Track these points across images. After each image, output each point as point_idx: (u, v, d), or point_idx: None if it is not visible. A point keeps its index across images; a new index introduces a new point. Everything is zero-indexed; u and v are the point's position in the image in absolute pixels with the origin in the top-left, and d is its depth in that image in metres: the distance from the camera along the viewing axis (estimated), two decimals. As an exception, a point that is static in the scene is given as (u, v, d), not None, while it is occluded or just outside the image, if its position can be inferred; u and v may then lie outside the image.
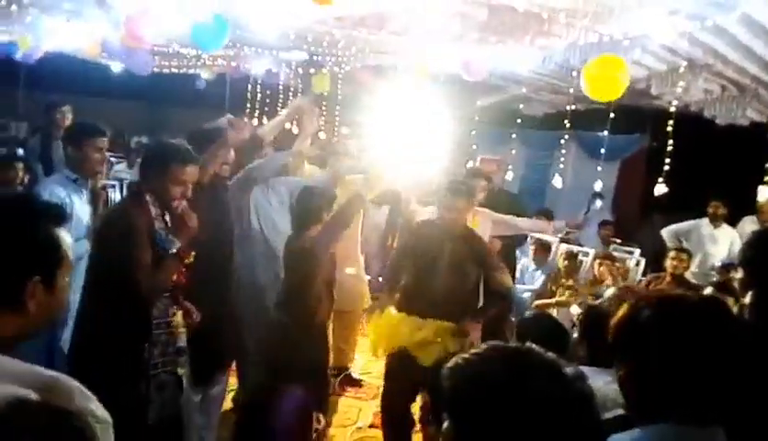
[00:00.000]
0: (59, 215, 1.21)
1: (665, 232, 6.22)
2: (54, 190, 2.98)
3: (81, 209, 3.09)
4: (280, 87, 8.20)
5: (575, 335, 2.59)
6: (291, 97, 8.91)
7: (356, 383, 4.62)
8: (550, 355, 1.04)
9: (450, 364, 1.05)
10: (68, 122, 4.68)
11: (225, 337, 3.16)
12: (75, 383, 1.05)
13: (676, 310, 1.24)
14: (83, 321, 2.44)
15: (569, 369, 1.03)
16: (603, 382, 2.08)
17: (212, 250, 2.98)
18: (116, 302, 2.35)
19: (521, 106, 6.74)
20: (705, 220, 6.07)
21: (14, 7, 4.51)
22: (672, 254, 5.03)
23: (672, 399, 1.19)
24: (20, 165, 4.08)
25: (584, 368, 2.34)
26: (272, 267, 3.61)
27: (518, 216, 4.64)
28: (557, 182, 5.05)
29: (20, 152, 5.82)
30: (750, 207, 5.85)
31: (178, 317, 2.56)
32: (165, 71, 7.75)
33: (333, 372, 4.31)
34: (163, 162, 2.53)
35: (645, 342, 1.23)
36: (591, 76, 3.59)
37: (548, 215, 7.33)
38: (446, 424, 1.05)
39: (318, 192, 3.36)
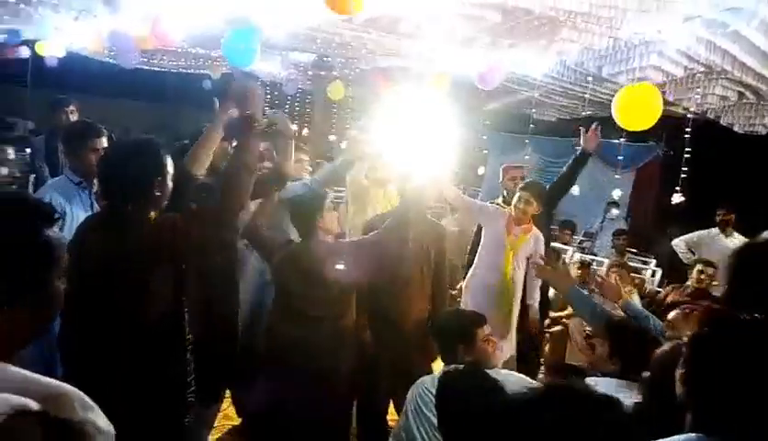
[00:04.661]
0: (50, 215, 1.15)
1: (676, 244, 6.09)
2: (53, 195, 2.80)
3: (82, 213, 2.85)
4: (282, 86, 8.15)
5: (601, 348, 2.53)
6: (299, 99, 8.86)
7: None
8: (588, 390, 1.00)
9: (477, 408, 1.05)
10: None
11: (229, 358, 3.10)
12: (78, 393, 1.02)
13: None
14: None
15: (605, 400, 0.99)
16: (631, 401, 2.03)
17: (219, 266, 2.93)
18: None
19: (533, 110, 6.65)
20: (715, 230, 5.93)
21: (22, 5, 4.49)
22: (698, 266, 4.87)
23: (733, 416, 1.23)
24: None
25: (614, 382, 2.31)
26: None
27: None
28: (573, 189, 4.93)
29: (27, 151, 5.80)
30: (768, 218, 5.71)
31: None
32: (173, 70, 7.74)
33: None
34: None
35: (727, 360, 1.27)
36: (623, 104, 3.46)
37: (571, 228, 7.27)
38: None
39: (307, 197, 3.07)
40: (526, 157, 7.40)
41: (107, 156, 2.22)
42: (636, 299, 5.13)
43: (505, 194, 4.50)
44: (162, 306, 2.13)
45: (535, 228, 3.97)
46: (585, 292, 2.98)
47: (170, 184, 2.19)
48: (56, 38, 5.66)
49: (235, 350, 3.17)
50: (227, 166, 2.31)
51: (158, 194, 2.14)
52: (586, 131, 4.12)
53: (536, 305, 4.08)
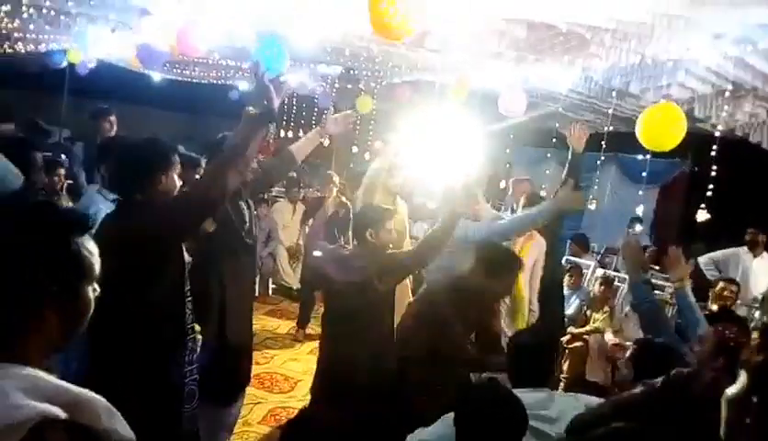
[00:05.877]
0: (82, 223, 1.15)
1: (702, 261, 6.01)
2: (99, 203, 2.91)
3: None
4: (315, 100, 8.26)
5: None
6: (326, 112, 8.95)
7: None
8: None
9: None
10: (114, 131, 4.66)
11: (245, 357, 3.14)
12: (102, 401, 1.03)
13: None
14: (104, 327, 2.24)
15: None
16: None
17: (240, 264, 2.98)
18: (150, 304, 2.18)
19: (557, 125, 6.63)
20: (744, 249, 5.85)
21: (62, 17, 4.63)
22: (720, 284, 4.78)
23: None
24: (62, 171, 4.12)
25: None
26: None
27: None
28: (591, 205, 4.92)
29: (63, 157, 5.93)
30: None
31: (196, 325, 2.48)
32: (204, 81, 7.89)
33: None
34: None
35: None
36: (647, 125, 3.45)
37: (584, 242, 7.19)
38: None
39: (365, 210, 3.31)
40: (547, 172, 7.36)
41: (114, 152, 2.38)
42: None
43: (514, 207, 4.53)
44: (163, 289, 2.23)
45: (537, 235, 4.00)
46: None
47: (175, 178, 2.32)
48: (93, 49, 5.82)
49: (251, 349, 3.23)
50: (225, 150, 2.42)
51: (161, 185, 2.26)
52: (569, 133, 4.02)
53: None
